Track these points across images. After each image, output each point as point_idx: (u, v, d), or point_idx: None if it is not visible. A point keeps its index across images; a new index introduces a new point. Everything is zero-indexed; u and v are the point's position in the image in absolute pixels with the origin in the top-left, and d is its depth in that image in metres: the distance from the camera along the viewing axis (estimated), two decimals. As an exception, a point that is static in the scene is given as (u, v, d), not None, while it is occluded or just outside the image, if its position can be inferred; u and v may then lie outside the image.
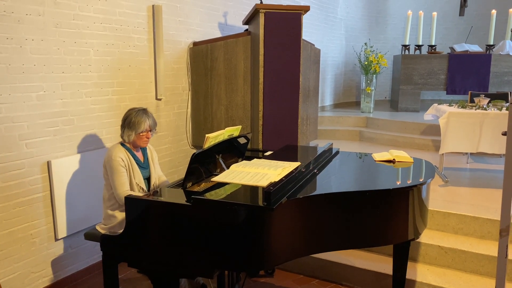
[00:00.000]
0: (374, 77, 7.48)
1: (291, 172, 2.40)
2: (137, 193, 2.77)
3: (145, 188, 2.88)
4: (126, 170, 2.79)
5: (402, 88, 7.49)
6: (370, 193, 2.36)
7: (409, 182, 2.59)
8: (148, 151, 3.01)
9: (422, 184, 2.52)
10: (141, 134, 2.81)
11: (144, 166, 2.94)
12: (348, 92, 8.83)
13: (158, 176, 3.07)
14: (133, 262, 2.34)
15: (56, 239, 3.22)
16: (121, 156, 2.77)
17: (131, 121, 2.79)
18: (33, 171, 3.02)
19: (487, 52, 7.18)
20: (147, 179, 2.97)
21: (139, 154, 2.94)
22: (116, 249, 2.36)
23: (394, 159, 3.00)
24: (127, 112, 2.86)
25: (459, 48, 7.41)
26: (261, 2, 3.96)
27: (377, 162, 3.02)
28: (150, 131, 2.86)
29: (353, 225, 2.37)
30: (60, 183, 3.16)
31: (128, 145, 2.86)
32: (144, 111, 2.85)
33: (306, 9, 3.78)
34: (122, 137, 2.85)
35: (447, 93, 7.34)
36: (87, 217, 3.38)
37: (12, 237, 2.93)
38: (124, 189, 2.73)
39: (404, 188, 2.44)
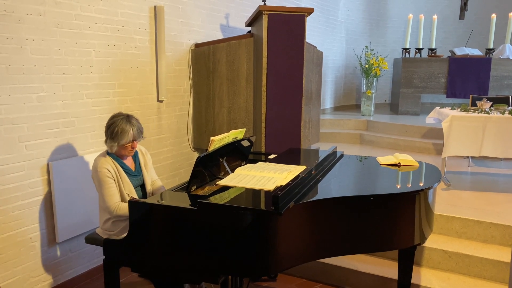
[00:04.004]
0: (374, 80, 7.46)
1: (297, 176, 2.37)
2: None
3: (137, 198, 2.72)
4: (115, 180, 2.63)
5: (403, 91, 7.47)
6: (376, 197, 2.33)
7: (413, 186, 2.55)
8: (140, 156, 2.86)
9: (429, 188, 2.49)
10: (124, 145, 2.62)
11: (135, 174, 2.79)
12: (348, 95, 8.81)
13: (153, 180, 2.93)
14: (136, 266, 2.30)
15: (56, 243, 3.17)
16: (107, 167, 2.60)
17: (113, 131, 2.59)
18: (33, 173, 2.97)
19: (487, 56, 7.18)
20: (141, 186, 2.85)
21: (128, 162, 2.78)
22: (119, 253, 2.32)
23: (399, 163, 2.97)
24: (110, 119, 2.65)
25: (459, 51, 7.41)
26: (264, 4, 3.93)
27: (382, 165, 2.99)
28: (134, 140, 2.67)
29: (360, 229, 2.34)
30: (60, 185, 3.11)
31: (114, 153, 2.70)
32: (127, 119, 2.63)
33: (309, 11, 3.76)
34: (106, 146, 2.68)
35: (447, 97, 7.34)
36: (87, 220, 3.33)
37: (11, 241, 2.88)
38: (114, 201, 2.59)
39: (411, 192, 2.41)
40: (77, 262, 3.36)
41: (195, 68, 4.39)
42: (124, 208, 2.58)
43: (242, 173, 2.53)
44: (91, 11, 3.28)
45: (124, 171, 2.71)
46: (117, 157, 2.71)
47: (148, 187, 2.86)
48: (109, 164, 2.64)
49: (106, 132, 2.65)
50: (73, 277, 3.32)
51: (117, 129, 2.59)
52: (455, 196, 4.09)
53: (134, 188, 2.77)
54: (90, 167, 3.30)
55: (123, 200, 2.68)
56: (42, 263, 3.09)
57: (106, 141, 2.66)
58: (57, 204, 3.10)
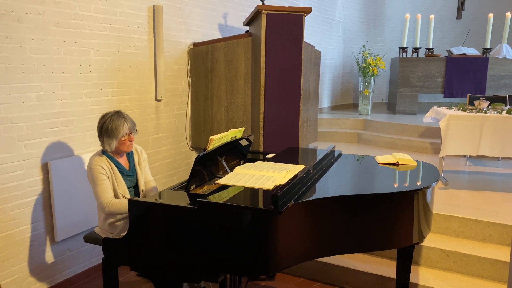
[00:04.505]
0: (372, 80, 7.48)
1: (296, 175, 2.38)
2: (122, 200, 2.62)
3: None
4: (108, 178, 2.62)
5: (400, 90, 7.50)
6: (375, 196, 2.34)
7: (412, 185, 2.57)
8: (135, 155, 2.84)
9: (427, 187, 2.51)
10: (122, 139, 2.63)
11: (129, 174, 2.77)
12: (345, 94, 8.83)
13: (147, 181, 2.90)
14: (136, 265, 2.30)
15: (55, 242, 3.17)
16: (101, 165, 2.60)
17: (108, 128, 2.59)
18: (32, 172, 2.97)
19: (484, 55, 7.21)
20: (135, 187, 2.83)
21: (123, 161, 2.76)
22: (119, 252, 2.32)
23: (397, 162, 2.99)
24: (100, 119, 2.66)
25: (457, 51, 7.43)
26: (263, 4, 3.93)
27: (380, 165, 3.00)
28: (131, 133, 2.68)
29: (358, 228, 2.35)
30: (59, 185, 3.11)
31: (109, 153, 2.68)
32: (118, 114, 2.65)
33: (308, 10, 3.76)
34: (103, 147, 2.68)
35: (444, 96, 7.37)
36: (86, 219, 3.33)
37: (10, 240, 2.88)
38: (107, 197, 2.57)
39: (409, 191, 2.42)
40: (76, 261, 3.36)
41: (194, 67, 4.40)
42: (116, 204, 2.57)
43: (241, 172, 2.53)
44: (90, 11, 3.27)
45: (119, 171, 2.70)
46: (112, 156, 2.70)
47: (141, 187, 2.84)
48: (104, 163, 2.63)
49: (100, 133, 2.65)
50: (71, 276, 3.33)
51: (111, 125, 2.60)
52: (453, 195, 4.11)
53: (128, 189, 2.76)
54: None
55: (117, 198, 2.66)
56: (40, 262, 3.09)
57: (102, 141, 2.66)
58: (56, 203, 3.10)
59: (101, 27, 3.38)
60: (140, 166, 2.86)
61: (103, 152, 2.69)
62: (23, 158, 2.90)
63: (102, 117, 2.67)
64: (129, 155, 2.83)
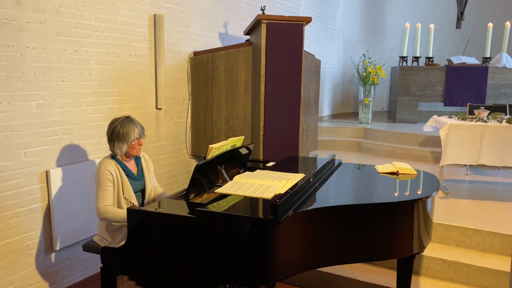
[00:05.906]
0: (372, 88, 7.50)
1: (296, 184, 2.37)
2: (123, 207, 2.66)
3: (136, 203, 2.73)
4: (114, 184, 2.66)
5: (400, 99, 7.51)
6: (375, 206, 2.33)
7: (412, 194, 2.56)
8: (142, 160, 2.90)
9: (427, 197, 2.50)
10: (132, 143, 2.70)
11: (137, 178, 2.81)
12: (345, 103, 8.84)
13: (154, 186, 2.96)
14: (134, 275, 2.29)
15: (53, 250, 3.16)
16: (110, 170, 2.64)
17: (119, 132, 2.66)
18: (31, 180, 2.96)
19: (484, 64, 7.22)
20: (142, 191, 2.86)
21: (131, 166, 2.81)
22: (117, 261, 2.31)
23: (397, 171, 2.98)
24: (111, 124, 2.72)
25: (457, 60, 7.46)
26: (263, 13, 3.95)
27: (380, 174, 3.00)
28: (140, 137, 2.75)
29: (358, 238, 2.34)
30: (59, 193, 3.10)
31: (119, 157, 2.74)
32: (128, 119, 2.73)
33: (308, 20, 3.78)
34: (113, 151, 2.72)
35: (444, 105, 7.38)
36: (85, 228, 3.32)
37: (9, 248, 2.86)
38: (105, 203, 2.60)
39: (409, 201, 2.42)
40: (74, 269, 3.35)
41: (194, 76, 4.41)
42: (111, 212, 2.58)
43: (240, 181, 2.53)
44: (91, 20, 3.29)
45: (126, 175, 2.74)
46: (121, 160, 2.75)
47: (147, 192, 2.87)
48: (112, 167, 2.67)
49: (110, 137, 2.70)
50: (70, 284, 3.30)
51: (122, 130, 2.66)
52: (454, 204, 4.10)
53: (135, 193, 2.78)
54: (88, 174, 3.30)
55: (119, 204, 2.68)
56: (39, 270, 3.08)
57: (113, 145, 2.70)
58: (55, 212, 3.09)
59: (102, 36, 3.40)
60: (148, 173, 2.91)
61: (112, 156, 2.73)
62: (23, 166, 2.90)
63: (112, 122, 2.73)
64: (137, 160, 2.88)
